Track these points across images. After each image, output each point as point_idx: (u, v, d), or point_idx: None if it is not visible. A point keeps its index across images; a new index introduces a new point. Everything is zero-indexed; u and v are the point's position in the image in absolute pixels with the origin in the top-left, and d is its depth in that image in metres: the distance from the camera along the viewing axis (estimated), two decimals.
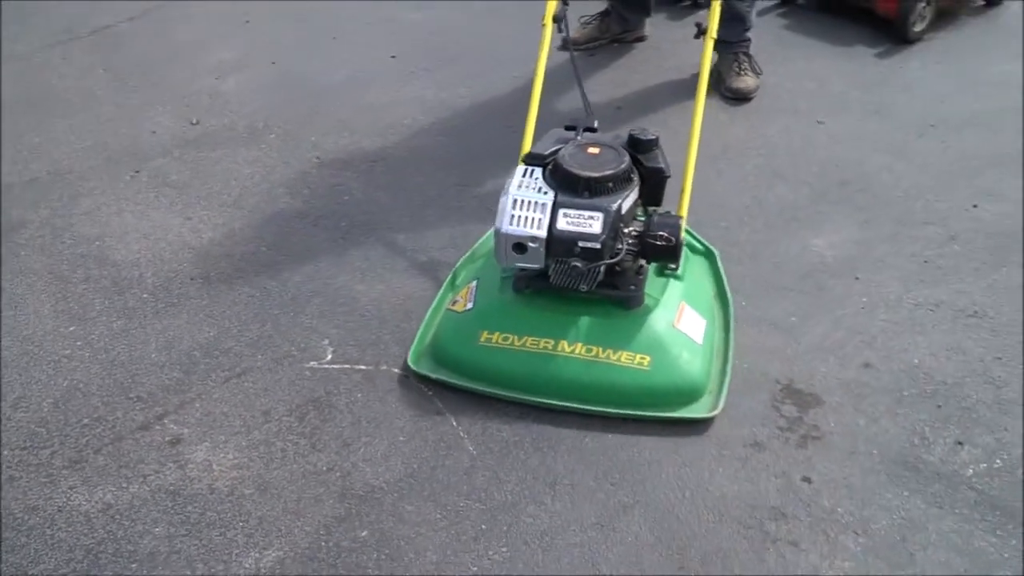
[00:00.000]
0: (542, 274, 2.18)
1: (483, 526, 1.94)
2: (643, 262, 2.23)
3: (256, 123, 3.35)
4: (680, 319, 2.23)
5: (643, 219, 2.22)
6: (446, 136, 3.30)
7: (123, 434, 2.15)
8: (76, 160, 3.14)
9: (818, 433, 2.15)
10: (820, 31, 3.95)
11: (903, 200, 2.93)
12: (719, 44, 3.62)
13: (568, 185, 2.12)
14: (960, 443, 2.11)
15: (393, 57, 3.82)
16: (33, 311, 2.51)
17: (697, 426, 2.14)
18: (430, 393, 2.25)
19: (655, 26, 3.95)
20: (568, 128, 2.31)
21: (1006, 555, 1.87)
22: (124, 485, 2.03)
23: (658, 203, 2.29)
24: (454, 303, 2.41)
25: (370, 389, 2.27)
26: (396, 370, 2.32)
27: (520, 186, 2.15)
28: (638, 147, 2.23)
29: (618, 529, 1.93)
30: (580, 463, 2.08)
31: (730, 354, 2.29)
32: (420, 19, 4.13)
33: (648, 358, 2.16)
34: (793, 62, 3.73)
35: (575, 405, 2.17)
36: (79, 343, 2.40)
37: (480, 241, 2.65)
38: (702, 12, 4.07)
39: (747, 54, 3.56)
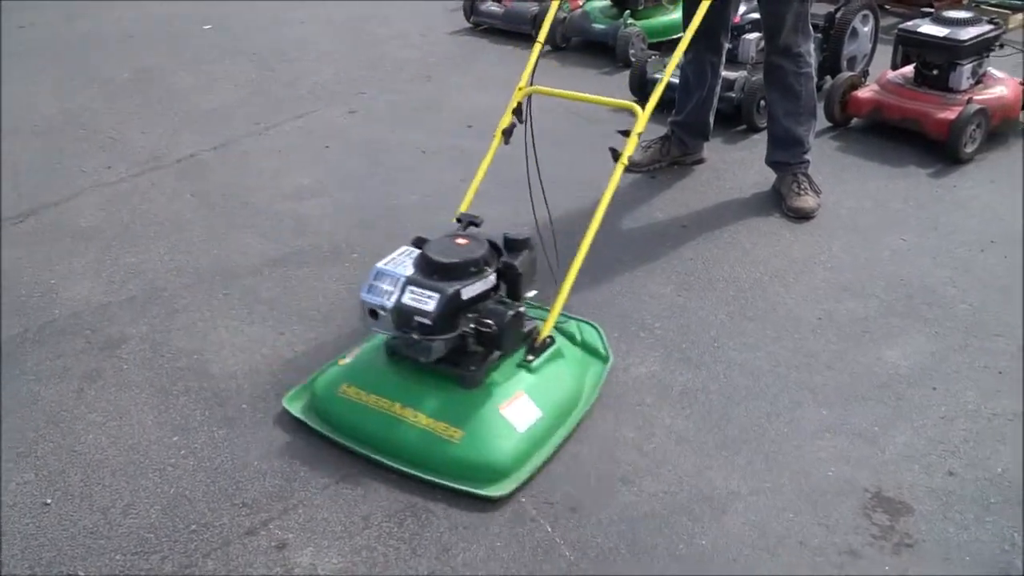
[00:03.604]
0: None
1: None
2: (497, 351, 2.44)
3: (338, 243, 3.51)
4: (509, 406, 2.39)
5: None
6: None
7: (230, 539, 2.22)
8: (170, 279, 3.30)
9: (911, 541, 2.18)
10: (872, 152, 4.11)
11: (970, 313, 3.00)
12: (780, 165, 3.79)
13: (423, 266, 2.42)
14: None
15: (462, 181, 4.01)
16: (137, 422, 2.62)
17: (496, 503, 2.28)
18: (523, 500, 2.31)
19: (712, 149, 4.12)
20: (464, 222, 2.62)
21: None
22: None
23: (515, 297, 2.52)
24: (343, 357, 2.67)
25: (465, 495, 2.33)
26: None
27: (389, 261, 2.47)
28: (508, 245, 2.52)
29: None
30: (682, 571, 2.11)
31: (553, 448, 2.43)
32: (483, 148, 4.34)
33: (460, 432, 2.34)
34: (849, 182, 3.87)
35: (387, 460, 2.38)
36: (183, 452, 2.50)
37: None
38: (756, 136, 4.25)
39: (806, 174, 3.70)
